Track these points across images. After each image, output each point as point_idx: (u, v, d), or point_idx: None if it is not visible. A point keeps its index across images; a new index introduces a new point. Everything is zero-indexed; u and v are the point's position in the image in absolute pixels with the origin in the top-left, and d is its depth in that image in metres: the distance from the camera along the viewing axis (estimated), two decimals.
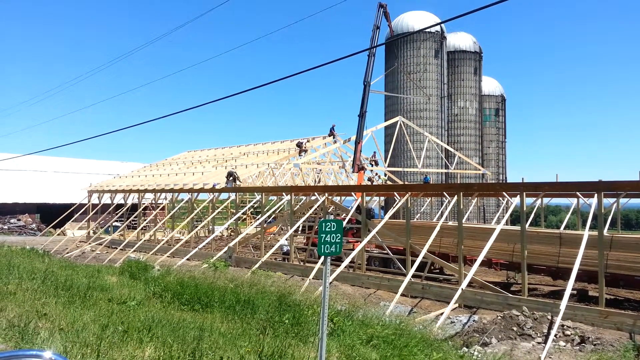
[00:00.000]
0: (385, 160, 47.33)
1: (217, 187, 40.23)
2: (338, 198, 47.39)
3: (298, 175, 51.03)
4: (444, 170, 54.43)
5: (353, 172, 41.11)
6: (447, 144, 59.32)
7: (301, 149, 42.87)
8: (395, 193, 33.00)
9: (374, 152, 48.13)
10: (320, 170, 49.10)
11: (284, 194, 36.29)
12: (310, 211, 33.14)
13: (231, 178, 39.18)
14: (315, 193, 33.39)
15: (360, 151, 40.68)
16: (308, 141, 44.70)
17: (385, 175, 52.02)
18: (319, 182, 51.35)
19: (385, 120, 54.22)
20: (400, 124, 48.06)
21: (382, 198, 50.53)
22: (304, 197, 46.07)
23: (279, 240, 36.34)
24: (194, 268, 27.09)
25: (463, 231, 26.11)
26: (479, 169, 57.35)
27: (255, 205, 51.80)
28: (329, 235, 10.74)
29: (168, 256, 36.47)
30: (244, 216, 57.16)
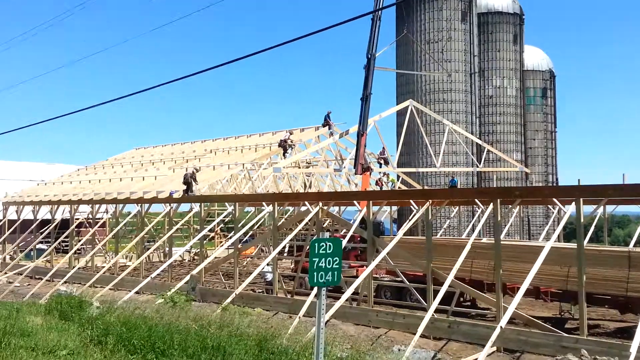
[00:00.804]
0: (398, 160, 47.02)
1: (174, 195, 39.93)
2: (336, 209, 46.86)
3: (283, 179, 50.70)
4: (475, 169, 54.58)
5: (356, 173, 40.90)
6: (479, 136, 59.34)
7: (286, 146, 42.58)
8: (411, 201, 32.90)
9: (383, 148, 48.28)
10: (312, 172, 48.77)
11: (264, 204, 36.00)
12: (300, 226, 33.03)
13: (189, 183, 39.03)
14: (306, 202, 33.09)
15: (365, 146, 40.48)
16: (291, 133, 44.25)
17: (398, 178, 51.73)
18: (311, 187, 51.19)
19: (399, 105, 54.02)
20: (412, 110, 47.70)
21: (395, 208, 50.24)
22: (290, 208, 45.80)
23: (258, 266, 36.12)
24: (145, 304, 26.87)
25: (501, 251, 26.01)
26: (522, 168, 57.16)
27: (227, 220, 51.54)
28: (324, 259, 10.72)
29: (111, 289, 36.19)
30: (212, 234, 56.67)
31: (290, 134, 43.96)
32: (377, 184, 49.79)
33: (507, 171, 59.23)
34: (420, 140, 54.69)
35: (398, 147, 51.39)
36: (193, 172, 39.38)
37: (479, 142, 56.36)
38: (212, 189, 40.74)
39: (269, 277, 35.07)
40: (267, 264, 36.02)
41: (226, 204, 40.56)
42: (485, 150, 54.76)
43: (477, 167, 55.58)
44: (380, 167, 48.77)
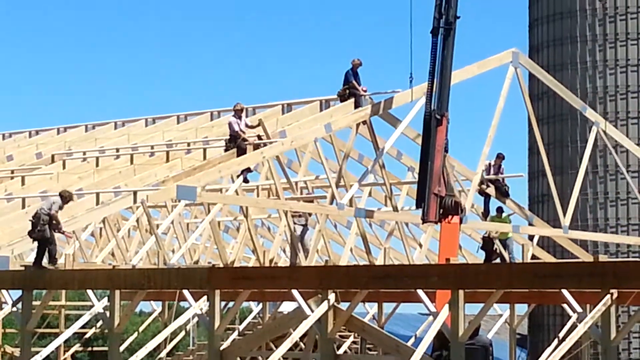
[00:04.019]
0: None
1: None
2: (371, 308, 32.65)
3: (237, 226, 34.72)
4: None
5: (426, 220, 26.11)
6: None
7: (244, 146, 26.33)
8: (564, 293, 20.56)
9: (499, 156, 32.44)
10: (312, 213, 30.47)
11: (186, 294, 22.86)
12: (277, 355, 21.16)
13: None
14: (295, 292, 20.83)
15: (447, 150, 26.03)
16: (258, 124, 27.41)
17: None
18: (307, 252, 30.79)
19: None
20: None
21: (521, 309, 34.21)
22: (254, 307, 33.87)
23: None
24: None
25: None
26: None
27: (89, 333, 38.29)
28: None
29: None
30: None
31: (256, 125, 27.22)
32: (483, 245, 32.33)
33: None
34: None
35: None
36: (60, 203, 23.86)
37: None
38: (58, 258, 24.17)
39: None
40: None
41: (90, 293, 24.82)
42: None
43: None
44: (487, 202, 32.31)
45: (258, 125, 27.13)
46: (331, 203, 27.78)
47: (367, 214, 29.04)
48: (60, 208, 23.55)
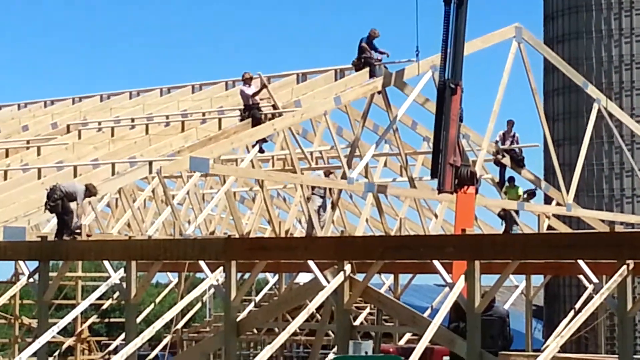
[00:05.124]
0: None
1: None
2: (387, 279, 32.72)
3: (253, 197, 34.37)
4: None
5: (441, 191, 26.32)
6: None
7: (258, 115, 26.44)
8: (581, 263, 21.19)
9: (509, 122, 32.77)
10: (330, 189, 30.17)
11: (203, 265, 22.39)
12: (294, 326, 20.61)
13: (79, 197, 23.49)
14: (312, 263, 20.77)
15: (461, 119, 26.03)
16: (264, 86, 27.63)
17: (532, 192, 34.16)
18: (323, 224, 31.05)
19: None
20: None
21: (537, 279, 34.16)
22: (270, 277, 34.86)
23: None
24: None
25: None
26: None
27: (105, 303, 37.36)
28: None
29: None
30: (69, 340, 38.97)
31: (260, 89, 27.45)
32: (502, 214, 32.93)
33: None
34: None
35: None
36: (83, 194, 23.36)
37: None
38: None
39: None
40: None
41: (106, 264, 24.08)
42: None
43: None
44: (503, 172, 32.39)
45: (262, 88, 27.04)
46: (343, 177, 27.79)
47: (377, 188, 29.01)
48: (91, 192, 23.79)
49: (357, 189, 28.85)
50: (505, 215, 32.93)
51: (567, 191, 32.76)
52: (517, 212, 32.36)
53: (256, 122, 26.03)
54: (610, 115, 36.02)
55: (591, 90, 35.16)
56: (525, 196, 32.67)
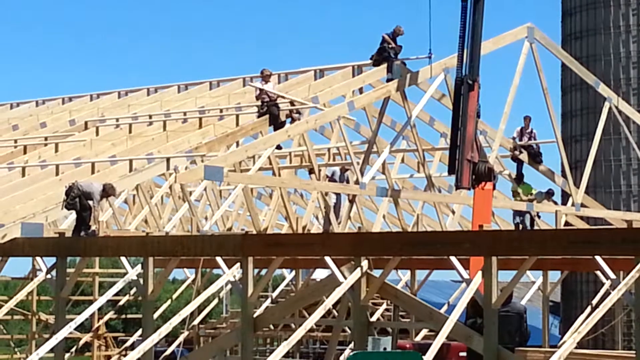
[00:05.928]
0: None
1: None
2: (404, 275, 32.39)
3: (270, 193, 34.59)
4: None
5: (458, 186, 26.15)
6: None
7: (277, 113, 25.94)
8: (598, 260, 20.59)
9: (526, 118, 32.43)
10: (346, 170, 30.85)
11: (219, 261, 22.21)
12: (310, 322, 20.60)
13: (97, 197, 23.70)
14: (328, 259, 20.43)
15: (478, 116, 25.59)
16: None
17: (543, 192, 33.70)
18: (340, 219, 31.31)
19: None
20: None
21: (555, 275, 33.52)
22: (287, 274, 33.63)
23: None
24: None
25: None
26: None
27: (122, 300, 38.08)
28: None
29: None
30: (87, 336, 38.80)
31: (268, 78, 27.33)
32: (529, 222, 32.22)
33: None
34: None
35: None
36: (100, 194, 23.51)
37: None
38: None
39: None
40: None
41: (123, 260, 24.01)
42: None
43: None
44: (520, 168, 32.26)
45: (270, 75, 27.06)
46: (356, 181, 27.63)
47: (390, 192, 28.81)
48: (100, 199, 23.68)
49: (369, 192, 28.87)
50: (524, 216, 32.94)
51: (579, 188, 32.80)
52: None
53: (273, 118, 25.91)
54: (622, 113, 35.76)
55: (602, 89, 35.02)
56: (544, 196, 32.59)
